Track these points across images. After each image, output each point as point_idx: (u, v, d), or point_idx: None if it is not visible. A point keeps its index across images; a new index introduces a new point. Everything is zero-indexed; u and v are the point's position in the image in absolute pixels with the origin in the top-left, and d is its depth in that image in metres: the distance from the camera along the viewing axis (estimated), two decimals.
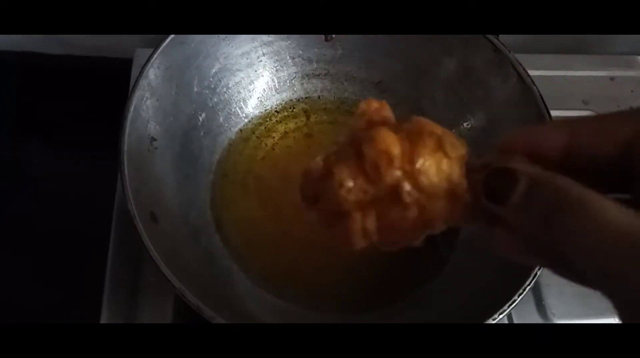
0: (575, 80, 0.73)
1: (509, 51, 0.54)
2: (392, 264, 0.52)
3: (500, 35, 0.55)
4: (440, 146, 0.26)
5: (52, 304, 0.56)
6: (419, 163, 0.26)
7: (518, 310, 0.56)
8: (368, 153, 0.26)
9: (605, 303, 0.61)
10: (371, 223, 0.26)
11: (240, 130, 0.58)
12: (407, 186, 0.25)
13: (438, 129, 0.27)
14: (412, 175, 0.26)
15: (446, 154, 0.26)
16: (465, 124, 0.57)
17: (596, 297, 0.58)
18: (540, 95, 0.51)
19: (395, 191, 0.26)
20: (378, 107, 0.29)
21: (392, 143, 0.26)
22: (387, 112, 0.29)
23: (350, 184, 0.26)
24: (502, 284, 0.44)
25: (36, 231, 0.61)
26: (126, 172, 0.43)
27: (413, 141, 0.26)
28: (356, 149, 0.26)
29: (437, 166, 0.26)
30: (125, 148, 0.44)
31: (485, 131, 0.56)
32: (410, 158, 0.26)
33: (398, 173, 0.26)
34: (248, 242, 0.51)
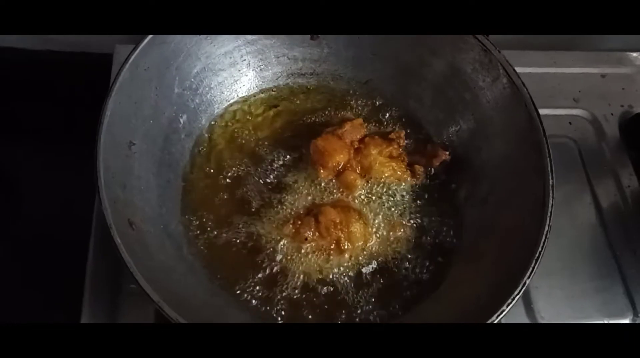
0: (566, 77, 0.72)
1: (499, 51, 0.52)
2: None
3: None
4: (360, 216, 0.52)
5: (32, 309, 0.55)
6: (352, 228, 0.51)
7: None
8: (322, 220, 0.51)
9: (594, 304, 0.59)
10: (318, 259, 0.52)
11: (223, 131, 0.56)
12: (345, 242, 0.51)
13: (356, 206, 0.53)
14: (348, 234, 0.51)
15: (364, 223, 0.52)
16: (454, 127, 0.56)
17: (586, 300, 0.58)
18: (531, 97, 0.50)
19: (338, 242, 0.51)
20: None
21: (335, 215, 0.51)
22: None
23: (310, 236, 0.51)
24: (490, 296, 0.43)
25: (16, 234, 0.59)
26: (102, 182, 0.41)
27: (344, 212, 0.52)
28: (315, 218, 0.51)
29: (359, 230, 0.51)
30: (102, 157, 0.42)
31: (473, 133, 0.55)
32: (347, 224, 0.51)
33: (340, 234, 0.51)
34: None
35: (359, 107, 0.60)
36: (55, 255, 0.56)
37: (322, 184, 0.54)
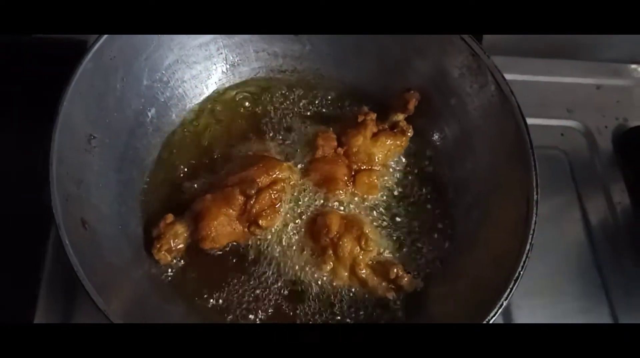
0: (560, 86, 0.69)
1: (488, 56, 0.49)
2: None
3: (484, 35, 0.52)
4: (359, 237, 0.49)
5: None
6: (341, 242, 0.49)
7: None
8: (318, 221, 0.51)
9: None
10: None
11: (195, 128, 0.53)
12: (330, 252, 0.50)
13: (367, 228, 0.50)
14: (335, 246, 0.49)
15: (360, 245, 0.49)
16: (437, 135, 0.53)
17: (569, 321, 0.55)
18: (519, 107, 0.47)
19: (324, 249, 0.50)
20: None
21: (334, 223, 0.50)
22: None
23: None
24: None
25: None
26: (55, 177, 0.38)
27: (348, 226, 0.50)
28: (314, 219, 0.51)
29: (351, 249, 0.49)
30: (56, 150, 0.39)
31: (458, 141, 0.52)
32: (340, 237, 0.49)
33: (327, 241, 0.50)
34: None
35: (334, 107, 0.57)
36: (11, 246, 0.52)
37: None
